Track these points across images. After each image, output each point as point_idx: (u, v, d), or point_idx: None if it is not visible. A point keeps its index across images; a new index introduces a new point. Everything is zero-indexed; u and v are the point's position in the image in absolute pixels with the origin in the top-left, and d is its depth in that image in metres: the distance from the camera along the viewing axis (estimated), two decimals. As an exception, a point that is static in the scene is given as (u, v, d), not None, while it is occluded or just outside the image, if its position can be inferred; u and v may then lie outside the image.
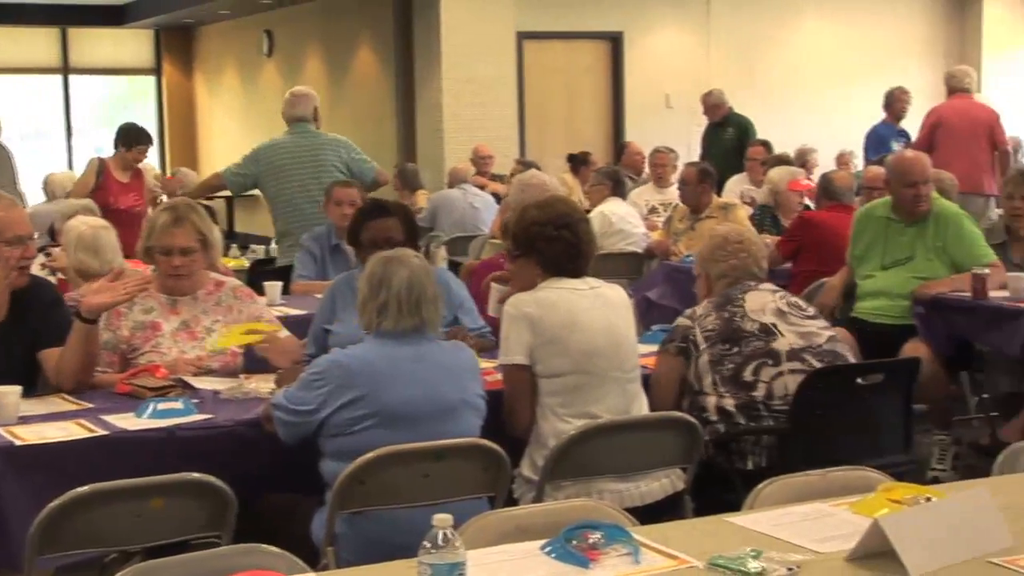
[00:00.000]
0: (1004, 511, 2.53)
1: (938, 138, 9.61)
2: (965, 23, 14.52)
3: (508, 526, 2.70)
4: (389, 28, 13.38)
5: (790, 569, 2.34)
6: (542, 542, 2.50)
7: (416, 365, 3.57)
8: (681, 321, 4.33)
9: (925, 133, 9.74)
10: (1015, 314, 5.45)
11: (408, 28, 13.00)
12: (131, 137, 8.69)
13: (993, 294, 5.63)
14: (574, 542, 2.46)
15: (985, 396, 6.40)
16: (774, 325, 4.22)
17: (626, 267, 8.14)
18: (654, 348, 4.71)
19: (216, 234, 4.72)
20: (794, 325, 4.25)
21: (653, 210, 9.45)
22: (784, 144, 11.32)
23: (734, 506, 2.91)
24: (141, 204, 8.55)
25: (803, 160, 10.83)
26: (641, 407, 4.02)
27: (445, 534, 2.13)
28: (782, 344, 4.19)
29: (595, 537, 2.47)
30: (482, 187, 10.84)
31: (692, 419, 3.86)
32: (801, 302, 4.41)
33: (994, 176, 9.33)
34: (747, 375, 4.15)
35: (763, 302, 4.28)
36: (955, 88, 9.99)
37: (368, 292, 3.63)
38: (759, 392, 4.13)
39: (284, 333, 4.54)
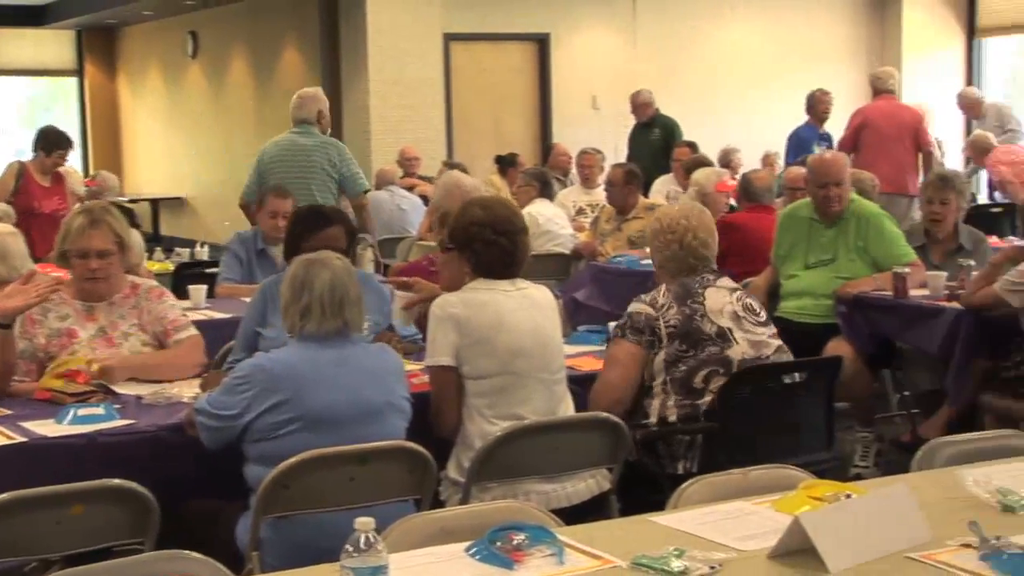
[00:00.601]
0: (921, 507, 2.57)
1: (863, 139, 9.73)
2: (885, 25, 14.72)
3: (433, 528, 2.70)
4: (315, 30, 13.31)
5: (712, 568, 2.36)
6: (467, 544, 2.50)
7: (340, 368, 3.55)
8: (642, 308, 4.22)
9: (850, 133, 9.85)
10: (935, 312, 5.54)
11: (334, 30, 12.94)
12: (50, 142, 8.55)
13: (913, 293, 5.73)
14: (498, 543, 2.46)
15: (906, 393, 6.50)
16: (730, 331, 4.18)
17: (553, 268, 8.16)
18: (581, 349, 4.74)
19: (134, 237, 4.65)
20: (748, 332, 4.21)
21: (580, 211, 9.49)
22: (710, 145, 11.43)
23: (660, 506, 2.92)
24: (65, 208, 8.42)
25: (726, 160, 10.94)
26: (567, 408, 4.02)
27: (367, 537, 2.12)
28: (735, 352, 4.16)
29: (519, 538, 2.47)
30: (410, 189, 10.82)
31: (618, 420, 3.87)
32: (755, 305, 4.34)
33: (918, 177, 9.46)
34: (697, 382, 4.13)
35: (721, 303, 4.22)
36: (880, 89, 10.13)
37: (290, 295, 3.61)
38: (705, 400, 4.12)
39: (190, 332, 4.48)
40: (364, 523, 2.14)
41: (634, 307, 4.27)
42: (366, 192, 7.79)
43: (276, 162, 7.52)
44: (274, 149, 7.62)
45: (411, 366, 4.22)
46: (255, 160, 7.69)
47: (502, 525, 2.52)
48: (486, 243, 3.94)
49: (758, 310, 4.32)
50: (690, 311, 4.18)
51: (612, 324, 4.87)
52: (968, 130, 12.38)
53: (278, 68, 14.70)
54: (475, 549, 2.47)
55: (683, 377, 4.14)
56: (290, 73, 14.39)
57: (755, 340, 4.22)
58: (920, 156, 9.75)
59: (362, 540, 2.12)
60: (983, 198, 11.05)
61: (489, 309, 3.89)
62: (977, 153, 10.70)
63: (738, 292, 4.32)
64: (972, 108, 11.72)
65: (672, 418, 4.14)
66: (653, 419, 4.17)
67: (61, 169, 8.71)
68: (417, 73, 12.26)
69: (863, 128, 9.79)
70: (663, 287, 4.28)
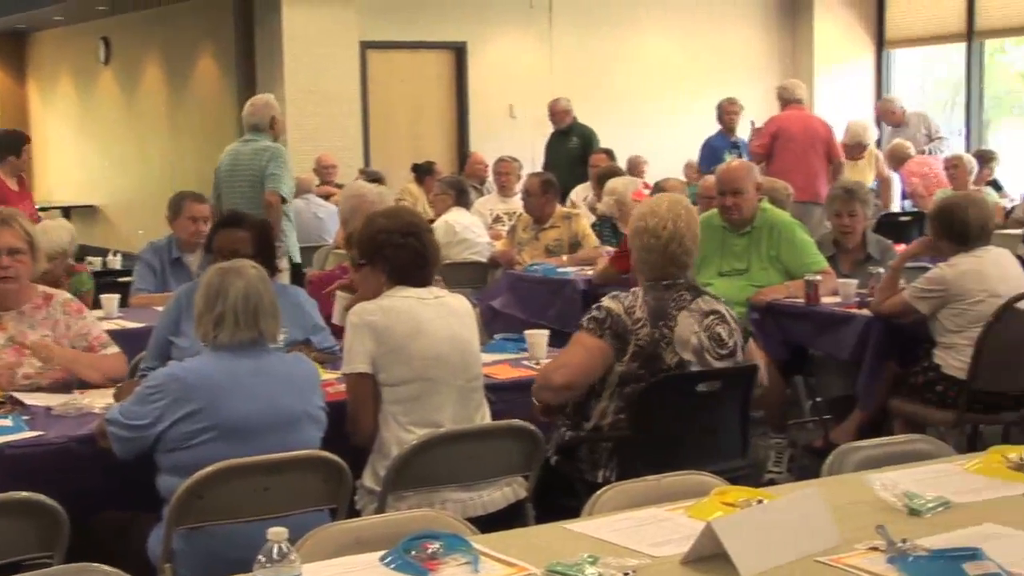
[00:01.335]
0: (831, 511, 2.60)
1: (777, 148, 9.83)
2: (797, 36, 14.92)
3: (347, 538, 2.68)
4: (230, 37, 13.21)
5: (626, 574, 2.37)
6: (381, 553, 2.49)
7: (255, 378, 3.53)
8: (621, 313, 4.07)
9: (765, 142, 9.94)
10: (846, 319, 5.63)
11: (249, 37, 12.85)
12: (17, 141, 8.31)
13: (825, 300, 5.81)
14: (413, 552, 2.46)
15: (818, 399, 6.59)
16: (688, 364, 4.09)
17: (471, 276, 8.16)
18: (497, 357, 4.75)
19: (64, 225, 4.57)
20: (705, 367, 4.13)
21: (497, 219, 9.50)
22: (628, 153, 11.54)
23: (576, 512, 2.94)
24: (36, 215, 8.18)
25: (633, 168, 11.07)
26: (484, 416, 4.03)
27: (280, 547, 2.11)
28: None
29: (434, 547, 2.47)
30: (327, 197, 10.77)
31: (534, 428, 3.86)
32: (724, 335, 4.17)
33: (829, 187, 9.57)
34: None
35: (689, 332, 4.09)
36: (789, 100, 10.22)
37: (204, 304, 3.58)
38: None
39: (115, 349, 4.44)
40: (276, 533, 2.13)
41: (613, 306, 4.09)
42: (283, 199, 7.77)
43: (224, 171, 7.80)
44: (224, 158, 7.90)
45: (327, 375, 4.21)
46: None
47: (417, 534, 2.52)
48: (396, 247, 3.96)
49: (725, 339, 4.17)
50: (660, 335, 4.06)
51: (530, 332, 4.89)
52: (884, 138, 12.52)
53: (192, 75, 14.56)
54: (390, 558, 2.46)
55: (630, 394, 4.09)
56: (205, 80, 14.26)
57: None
58: (831, 167, 9.88)
59: (275, 550, 2.11)
60: (896, 206, 11.23)
61: (407, 317, 3.89)
62: (895, 162, 10.89)
63: (710, 319, 4.15)
64: (891, 116, 11.89)
65: (606, 428, 4.12)
66: (591, 423, 4.15)
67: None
68: (334, 81, 12.22)
69: (777, 137, 9.89)
70: (640, 296, 4.12)
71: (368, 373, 3.86)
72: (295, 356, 3.85)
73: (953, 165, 9.63)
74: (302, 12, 12.07)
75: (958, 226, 5.33)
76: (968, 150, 11.79)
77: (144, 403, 3.47)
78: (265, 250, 4.56)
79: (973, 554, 2.32)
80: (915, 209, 10.13)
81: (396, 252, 3.96)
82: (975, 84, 13.73)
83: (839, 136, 10.38)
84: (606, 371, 4.07)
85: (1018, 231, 7.12)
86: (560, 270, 7.44)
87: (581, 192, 10.01)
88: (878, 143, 11.88)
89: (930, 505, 2.73)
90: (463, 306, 4.09)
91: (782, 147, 9.79)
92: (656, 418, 4.10)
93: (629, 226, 4.36)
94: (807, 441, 6.34)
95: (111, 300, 5.98)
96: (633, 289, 4.20)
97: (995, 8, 13.52)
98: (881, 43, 14.82)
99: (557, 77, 13.49)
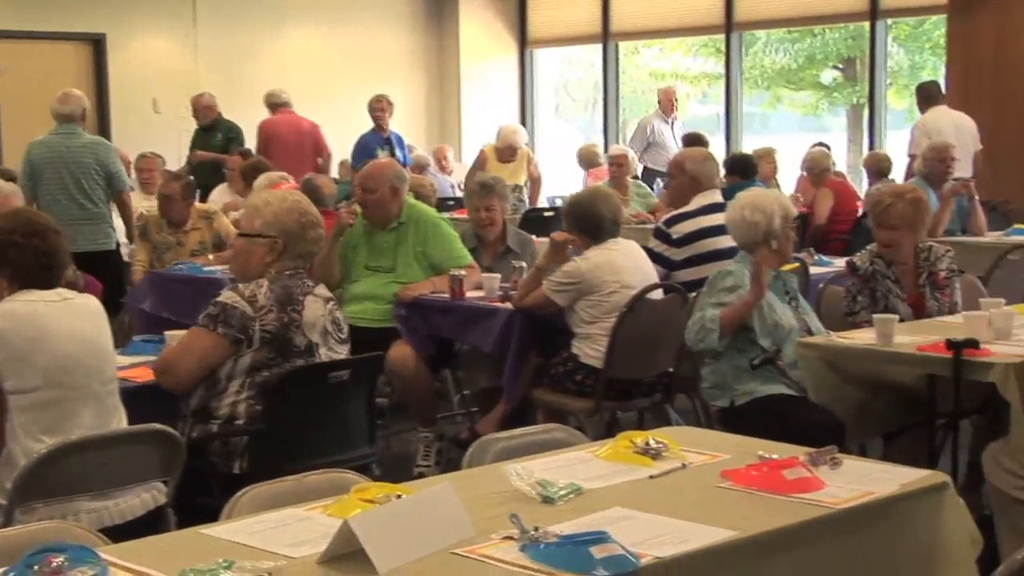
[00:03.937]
0: (469, 502, 2.65)
1: (272, 151, 10.36)
2: (444, 37, 15.17)
3: (-37, 557, 2.53)
4: None
5: (262, 577, 2.34)
6: (1, 570, 2.36)
7: None
8: (240, 304, 4.10)
9: (259, 148, 10.55)
10: (490, 312, 5.76)
11: None
12: None
13: (470, 294, 5.92)
14: (36, 567, 2.34)
15: (466, 392, 6.72)
16: (316, 346, 4.23)
17: (113, 277, 7.86)
18: (136, 359, 4.59)
19: None
20: (331, 350, 4.29)
21: (140, 217, 9.17)
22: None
23: (217, 511, 2.89)
24: None
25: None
26: (120, 421, 3.90)
27: None
28: None
29: (58, 560, 2.36)
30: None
31: (173, 432, 3.77)
32: (341, 320, 4.40)
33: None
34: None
35: (316, 315, 4.24)
36: (276, 104, 11.03)
37: None
38: None
39: None
40: None
41: (230, 298, 4.13)
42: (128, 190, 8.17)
43: (47, 164, 7.88)
44: (43, 151, 7.97)
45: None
46: (23, 161, 8.03)
47: (40, 547, 2.40)
48: (18, 248, 3.78)
49: (342, 326, 4.39)
50: (288, 319, 4.16)
51: (171, 332, 4.74)
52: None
53: None
54: (11, 575, 2.33)
55: (262, 382, 4.12)
56: None
57: (334, 357, 4.30)
58: (320, 163, 10.69)
59: None
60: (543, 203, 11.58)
61: (31, 320, 3.71)
62: (586, 163, 11.37)
63: (331, 304, 4.36)
64: (668, 105, 12.35)
65: (241, 417, 4.12)
66: (223, 417, 4.13)
67: None
68: (-42, 74, 11.58)
69: (269, 142, 10.58)
70: (265, 284, 4.17)
71: (-11, 383, 3.66)
72: None
73: (619, 164, 9.99)
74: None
75: (591, 220, 5.54)
76: (606, 148, 12.28)
77: None
78: None
79: (599, 537, 2.40)
80: (558, 204, 10.47)
81: (20, 253, 3.77)
82: (612, 84, 14.35)
83: (492, 139, 10.67)
84: (221, 363, 4.11)
85: (651, 225, 7.48)
86: (206, 268, 7.27)
87: (220, 195, 9.75)
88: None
89: (562, 492, 2.81)
90: (94, 306, 3.93)
91: (276, 150, 10.39)
92: (288, 408, 4.15)
93: (276, 218, 4.34)
94: (455, 434, 6.44)
95: None
96: (257, 280, 4.22)
97: (627, 12, 14.18)
98: (524, 43, 15.26)
99: (202, 71, 13.22)
